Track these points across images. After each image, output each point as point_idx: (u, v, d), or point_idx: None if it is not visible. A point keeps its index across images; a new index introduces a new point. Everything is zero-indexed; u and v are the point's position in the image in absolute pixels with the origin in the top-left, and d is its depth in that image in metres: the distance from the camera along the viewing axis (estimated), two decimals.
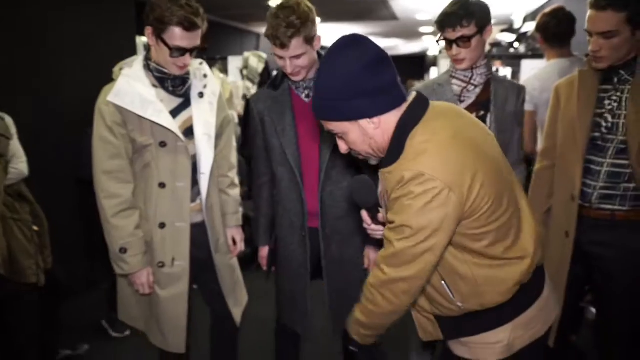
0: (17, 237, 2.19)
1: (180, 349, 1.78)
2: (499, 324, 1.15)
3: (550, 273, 1.26)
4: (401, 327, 2.01)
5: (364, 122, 1.08)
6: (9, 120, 2.22)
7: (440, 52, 6.68)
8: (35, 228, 2.30)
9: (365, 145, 1.13)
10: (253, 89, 4.57)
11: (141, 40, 4.05)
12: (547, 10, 2.44)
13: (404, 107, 1.10)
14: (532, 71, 3.03)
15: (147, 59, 1.66)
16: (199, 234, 1.77)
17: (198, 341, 2.14)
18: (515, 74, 4.58)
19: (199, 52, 1.64)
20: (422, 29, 9.55)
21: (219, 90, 1.82)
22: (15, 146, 2.23)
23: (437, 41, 1.74)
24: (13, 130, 2.24)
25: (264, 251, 1.92)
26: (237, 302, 1.95)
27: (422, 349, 2.08)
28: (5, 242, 2.11)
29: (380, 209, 1.24)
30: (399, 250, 1.07)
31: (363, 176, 1.23)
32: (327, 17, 7.02)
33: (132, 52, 3.48)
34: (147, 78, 1.64)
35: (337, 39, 1.11)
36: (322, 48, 1.60)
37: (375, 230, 1.27)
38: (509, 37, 5.78)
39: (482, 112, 1.74)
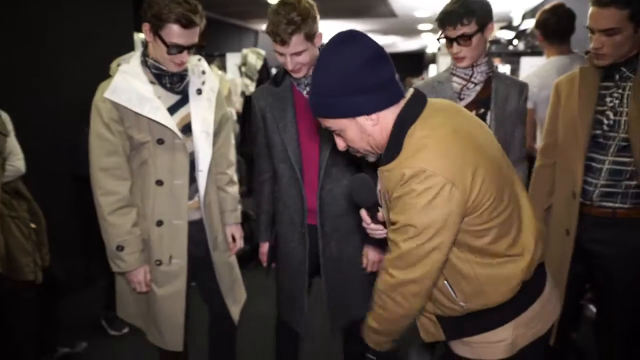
0: (15, 234, 2.18)
1: (178, 347, 1.77)
2: (501, 322, 1.14)
3: (550, 271, 1.25)
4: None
5: (362, 119, 1.07)
6: (5, 117, 2.21)
7: (439, 49, 6.68)
8: (33, 225, 2.29)
9: (363, 142, 1.12)
10: (252, 86, 4.55)
11: (139, 37, 4.03)
12: (547, 6, 2.43)
13: (402, 103, 1.09)
14: (531, 68, 3.03)
15: (145, 55, 1.65)
16: (197, 231, 1.76)
17: (196, 339, 2.13)
18: (514, 71, 4.58)
19: (197, 49, 1.63)
20: (421, 26, 9.54)
21: (217, 87, 1.81)
22: (12, 143, 2.22)
23: (438, 39, 1.73)
24: (10, 127, 2.23)
25: (265, 247, 1.91)
26: (235, 300, 1.94)
27: (423, 349, 2.07)
28: (3, 239, 2.10)
29: (379, 208, 1.23)
30: (405, 251, 1.05)
31: (362, 174, 1.22)
32: (325, 14, 6.99)
33: (130, 49, 3.46)
34: (144, 74, 1.63)
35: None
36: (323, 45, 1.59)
37: (375, 230, 1.26)
38: (507, 35, 5.77)
39: (482, 110, 1.73)
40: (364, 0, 6.19)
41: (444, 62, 4.56)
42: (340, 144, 1.17)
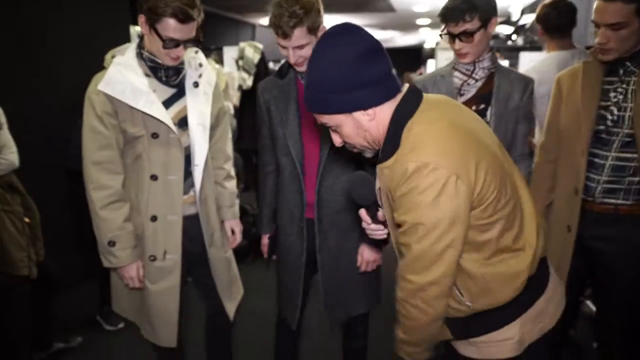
0: (9, 229, 2.16)
1: (171, 343, 1.75)
2: (508, 321, 1.12)
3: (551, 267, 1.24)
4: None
5: (359, 115, 1.05)
6: None
7: (437, 44, 6.64)
8: (27, 220, 2.27)
9: (360, 137, 1.10)
10: (249, 80, 4.52)
11: (135, 29, 3.99)
12: (548, 0, 2.41)
13: (398, 98, 1.07)
14: (530, 63, 3.02)
15: (140, 47, 1.61)
16: (193, 226, 1.73)
17: (194, 334, 2.12)
18: (513, 66, 4.56)
19: (194, 43, 1.60)
20: (419, 21, 9.52)
21: (214, 80, 1.78)
22: (6, 136, 2.20)
23: (441, 35, 1.70)
24: (2, 119, 2.20)
25: (266, 239, 1.91)
26: (232, 297, 1.92)
27: None
28: None
29: (379, 207, 1.20)
30: (419, 252, 1.02)
31: (361, 172, 1.19)
32: (323, 8, 6.95)
33: (126, 41, 3.43)
34: (139, 67, 1.59)
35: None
36: None
37: (375, 230, 1.23)
38: (506, 30, 5.76)
39: (482, 106, 1.71)
40: None
41: (443, 56, 4.53)
42: (337, 140, 1.14)
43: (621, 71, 1.61)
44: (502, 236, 1.06)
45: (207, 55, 3.32)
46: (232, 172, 1.94)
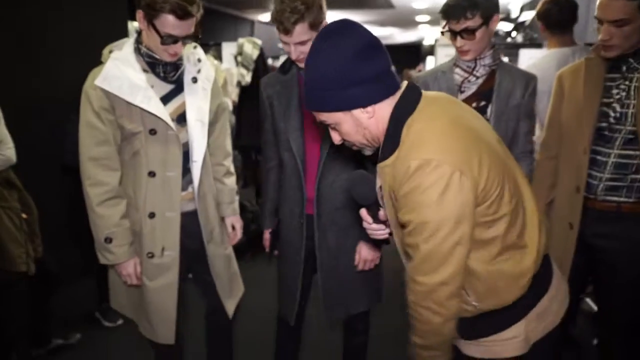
0: (6, 225, 2.15)
1: (169, 340, 1.74)
2: (514, 321, 1.11)
3: None
4: (402, 321, 2.01)
5: (357, 112, 1.04)
6: None
7: (436, 40, 6.64)
8: (24, 216, 2.26)
9: (358, 135, 1.08)
10: (247, 76, 4.50)
11: (133, 25, 3.96)
12: None
13: (397, 95, 1.06)
14: (530, 60, 3.01)
15: (138, 42, 1.60)
16: (191, 223, 1.72)
17: (195, 331, 2.12)
18: (512, 63, 4.54)
19: (193, 39, 1.58)
20: (418, 18, 9.49)
21: (213, 76, 1.77)
22: (2, 132, 2.18)
23: (442, 32, 1.69)
24: None
25: (267, 234, 1.91)
26: (232, 294, 1.91)
27: None
28: None
29: (380, 207, 1.18)
30: (427, 252, 1.00)
31: (361, 171, 1.18)
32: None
33: (124, 36, 3.43)
34: (137, 62, 1.58)
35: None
36: None
37: (376, 230, 1.22)
38: (506, 27, 5.75)
39: (482, 103, 1.70)
40: None
41: (443, 53, 4.51)
42: (336, 138, 1.13)
43: (624, 68, 1.60)
44: (508, 232, 1.05)
45: (205, 51, 3.30)
46: (232, 169, 1.93)
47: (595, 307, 2.73)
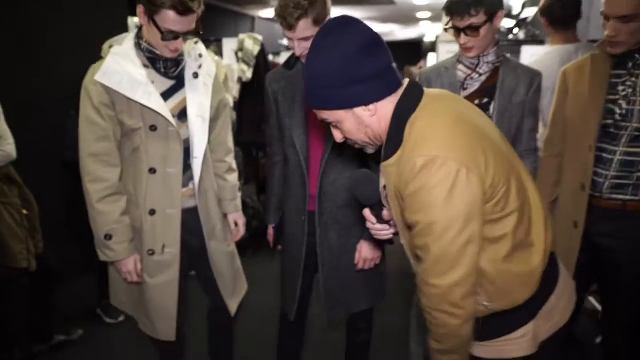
0: (7, 221, 2.15)
1: (170, 337, 1.74)
2: (524, 322, 1.09)
3: None
4: (405, 319, 2.01)
5: (359, 110, 1.03)
6: None
7: (437, 37, 6.60)
8: (25, 212, 2.25)
9: (361, 133, 1.07)
10: (248, 72, 4.48)
11: (133, 21, 3.94)
12: None
13: (399, 92, 1.05)
14: (532, 57, 2.98)
15: (139, 37, 1.58)
16: (192, 219, 1.71)
17: (198, 326, 2.11)
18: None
19: (194, 35, 1.57)
20: (420, 14, 9.45)
21: (214, 72, 1.75)
22: (2, 128, 2.17)
23: (446, 29, 1.67)
24: None
25: (272, 229, 1.91)
26: (235, 292, 1.90)
27: (423, 337, 2.06)
28: None
29: (384, 206, 1.17)
30: (439, 253, 0.97)
31: (364, 170, 1.16)
32: None
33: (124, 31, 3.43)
34: (137, 58, 1.56)
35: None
36: None
37: (380, 230, 1.20)
38: (508, 23, 5.72)
39: (485, 100, 1.68)
40: None
41: (444, 50, 4.49)
42: (338, 136, 1.12)
43: (630, 64, 1.59)
44: (517, 230, 1.03)
45: (206, 47, 3.30)
46: (234, 165, 1.92)
47: (598, 306, 2.72)
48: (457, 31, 1.62)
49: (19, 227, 2.18)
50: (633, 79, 1.58)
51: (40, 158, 2.94)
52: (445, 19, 1.66)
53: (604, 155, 1.63)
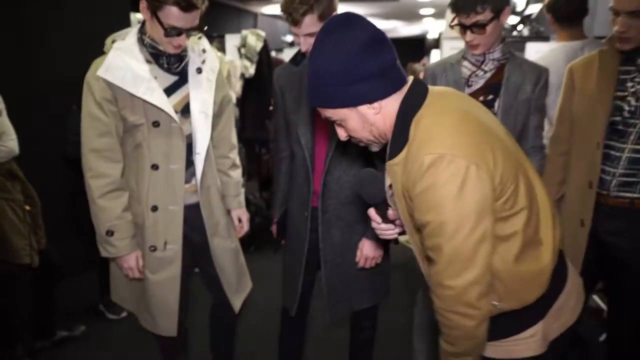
0: (9, 217, 2.14)
1: (171, 333, 1.73)
2: (534, 321, 1.08)
3: None
4: (408, 317, 2.00)
5: (364, 108, 1.01)
6: None
7: (440, 34, 6.56)
8: (28, 207, 2.25)
9: (365, 131, 1.06)
10: (251, 68, 4.46)
11: (135, 17, 3.93)
12: None
13: (404, 90, 1.03)
14: (537, 54, 2.96)
15: (142, 32, 1.57)
16: (195, 216, 1.71)
17: (202, 321, 2.10)
18: None
19: (198, 31, 1.56)
20: (423, 11, 9.42)
21: (218, 67, 1.74)
22: (5, 123, 2.17)
23: (451, 25, 1.65)
24: (1, 105, 2.16)
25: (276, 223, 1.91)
26: (239, 289, 1.89)
27: (425, 334, 2.05)
28: None
29: (389, 206, 1.15)
30: (452, 253, 0.95)
31: (369, 169, 1.15)
32: None
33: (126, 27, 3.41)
34: (140, 53, 1.55)
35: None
36: None
37: (385, 230, 1.19)
38: (512, 20, 5.69)
39: (490, 96, 1.66)
40: None
41: (448, 46, 4.45)
42: (342, 134, 1.11)
43: (639, 60, 1.57)
44: (527, 227, 1.02)
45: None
46: (238, 161, 1.91)
47: (601, 304, 2.71)
48: (463, 28, 1.61)
49: (21, 223, 2.18)
50: None
51: (43, 154, 2.93)
52: (450, 15, 1.64)
53: (612, 152, 1.61)
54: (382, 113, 1.02)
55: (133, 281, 1.72)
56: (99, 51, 1.59)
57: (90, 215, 1.60)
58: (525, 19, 5.58)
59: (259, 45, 4.43)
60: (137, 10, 1.57)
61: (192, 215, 1.70)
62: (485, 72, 1.67)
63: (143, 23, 1.57)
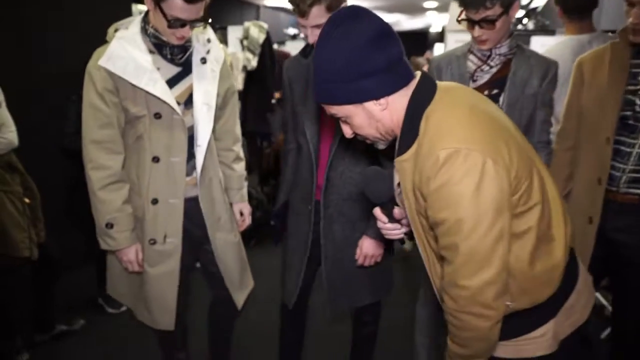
0: (8, 209, 2.12)
1: (169, 327, 1.72)
2: (547, 318, 1.05)
3: None
4: (410, 313, 1.99)
5: (370, 104, 0.98)
6: None
7: (444, 27, 6.51)
8: (27, 200, 2.23)
9: (371, 128, 1.03)
10: (253, 61, 4.42)
11: (137, 8, 3.89)
12: None
13: (412, 85, 1.00)
14: (542, 48, 2.92)
15: (145, 22, 1.54)
16: (195, 209, 1.68)
17: (197, 318, 2.09)
18: None
19: (202, 23, 1.52)
20: (426, 4, 9.33)
21: (222, 58, 1.71)
22: (4, 115, 2.14)
23: (459, 20, 1.60)
24: (1, 97, 2.14)
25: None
26: (242, 285, 1.86)
27: (426, 330, 2.03)
28: None
29: (396, 205, 1.13)
30: (468, 251, 0.91)
31: (375, 167, 1.12)
32: None
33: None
34: (143, 43, 1.52)
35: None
36: None
37: (391, 230, 1.16)
38: (517, 13, 5.63)
39: (495, 91, 1.63)
40: None
41: (452, 39, 4.40)
42: (347, 132, 1.08)
43: None
44: (541, 222, 0.99)
45: None
46: (241, 154, 1.89)
47: (604, 302, 2.69)
48: (471, 23, 1.56)
49: (21, 216, 2.16)
50: None
51: (43, 146, 2.91)
52: (456, 8, 1.60)
53: (622, 148, 1.57)
54: (389, 109, 1.00)
55: (131, 275, 1.70)
56: (100, 42, 1.56)
57: (90, 207, 1.57)
58: (530, 12, 5.52)
59: (261, 37, 4.39)
60: (139, 1, 1.54)
61: (193, 209, 1.67)
62: (491, 67, 1.63)
63: (147, 12, 1.53)
